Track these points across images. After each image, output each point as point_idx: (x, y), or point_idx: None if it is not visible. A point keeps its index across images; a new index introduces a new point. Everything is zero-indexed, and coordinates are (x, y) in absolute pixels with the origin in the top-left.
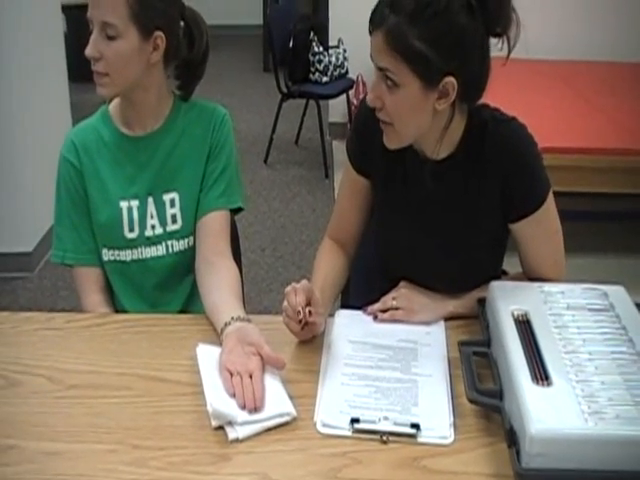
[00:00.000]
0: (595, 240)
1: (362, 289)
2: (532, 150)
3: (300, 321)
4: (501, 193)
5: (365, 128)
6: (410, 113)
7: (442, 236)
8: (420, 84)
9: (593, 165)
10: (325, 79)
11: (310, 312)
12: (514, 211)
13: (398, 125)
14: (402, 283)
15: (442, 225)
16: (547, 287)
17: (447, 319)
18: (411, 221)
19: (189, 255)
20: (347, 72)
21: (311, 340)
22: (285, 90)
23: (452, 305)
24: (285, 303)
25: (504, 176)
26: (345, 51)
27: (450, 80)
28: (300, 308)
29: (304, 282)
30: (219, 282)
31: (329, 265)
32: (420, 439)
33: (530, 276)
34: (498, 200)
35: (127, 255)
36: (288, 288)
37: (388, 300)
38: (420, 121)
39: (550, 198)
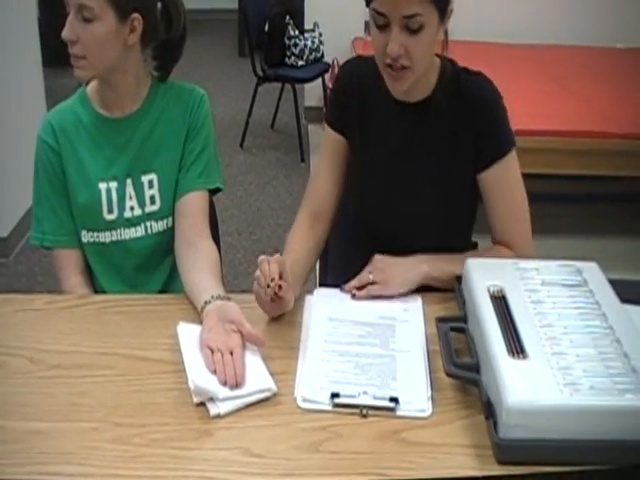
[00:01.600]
0: (569, 222)
1: (340, 266)
2: (501, 102)
3: (271, 292)
4: (473, 141)
5: (345, 90)
6: (430, 50)
7: (417, 185)
8: (437, 18)
9: (568, 148)
10: (301, 63)
11: (280, 286)
12: (483, 158)
13: (417, 67)
14: (376, 257)
15: (417, 173)
16: (522, 264)
17: (424, 291)
18: (387, 171)
19: (168, 236)
20: (323, 56)
21: (291, 318)
22: (261, 74)
23: (427, 266)
24: (257, 272)
25: (476, 123)
26: (321, 35)
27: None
28: (273, 277)
29: (277, 255)
30: (199, 262)
31: (301, 246)
32: (399, 412)
33: (498, 237)
34: (471, 148)
35: (106, 237)
36: (261, 257)
37: (364, 276)
38: (432, 57)
39: (515, 155)
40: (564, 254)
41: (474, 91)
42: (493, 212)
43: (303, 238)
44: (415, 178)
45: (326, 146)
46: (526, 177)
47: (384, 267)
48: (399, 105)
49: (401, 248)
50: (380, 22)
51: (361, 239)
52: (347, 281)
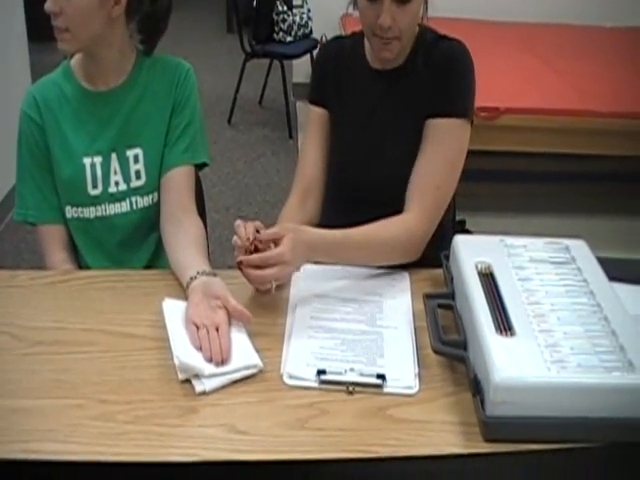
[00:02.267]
0: (556, 200)
1: None
2: (468, 67)
3: (250, 251)
4: (432, 91)
5: (323, 67)
6: (416, 19)
7: (393, 149)
8: None
9: (553, 126)
10: (289, 39)
11: (258, 244)
12: (431, 105)
13: (404, 36)
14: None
15: (393, 137)
16: (510, 241)
17: (412, 268)
18: (363, 135)
19: (153, 211)
20: (311, 32)
21: (277, 294)
22: (249, 50)
23: (312, 256)
24: (235, 237)
25: (439, 78)
26: (309, 11)
27: None
28: (249, 237)
29: (255, 222)
30: (184, 237)
31: (292, 222)
32: (386, 389)
33: (409, 192)
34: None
35: (91, 212)
36: (237, 222)
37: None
38: (415, 24)
39: (464, 128)
40: (551, 233)
41: (445, 52)
42: (417, 163)
43: (294, 215)
44: (391, 142)
45: (311, 123)
46: (512, 155)
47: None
48: (374, 72)
49: (382, 212)
50: None
51: (342, 204)
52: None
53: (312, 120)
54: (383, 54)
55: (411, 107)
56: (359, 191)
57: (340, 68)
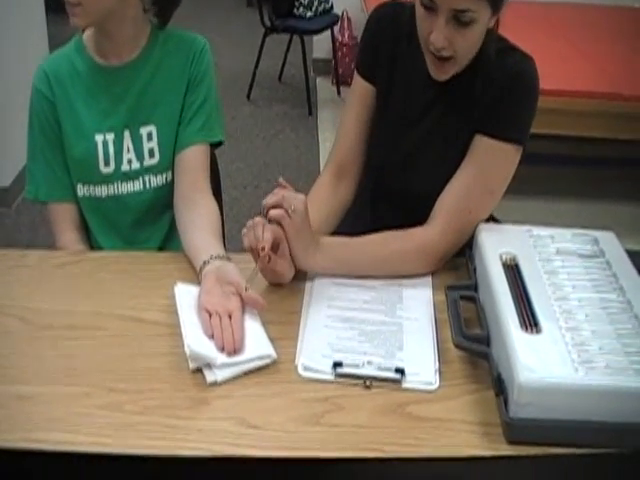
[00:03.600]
0: (580, 185)
1: (348, 219)
2: (534, 91)
3: (261, 263)
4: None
5: (376, 35)
6: (478, 44)
7: (441, 151)
8: (490, 13)
9: (578, 109)
10: (309, 14)
11: (270, 258)
12: (484, 121)
13: (461, 59)
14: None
15: (441, 139)
16: (536, 231)
17: None
18: (410, 130)
19: (167, 191)
20: (332, 7)
21: (293, 280)
22: (269, 24)
23: (319, 257)
24: (246, 231)
25: (500, 96)
26: None
27: None
28: (264, 245)
29: (276, 227)
30: (198, 219)
31: (323, 206)
32: (405, 385)
33: (439, 206)
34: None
35: (102, 191)
36: (257, 219)
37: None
38: (477, 48)
39: (513, 155)
40: (575, 219)
41: (510, 69)
42: (452, 182)
43: (325, 198)
44: (436, 149)
45: (354, 96)
46: (537, 138)
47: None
48: (427, 73)
49: (416, 210)
50: (427, 3)
51: (376, 193)
52: (354, 235)
53: (356, 91)
54: (436, 74)
55: (464, 118)
56: (392, 194)
57: (395, 44)
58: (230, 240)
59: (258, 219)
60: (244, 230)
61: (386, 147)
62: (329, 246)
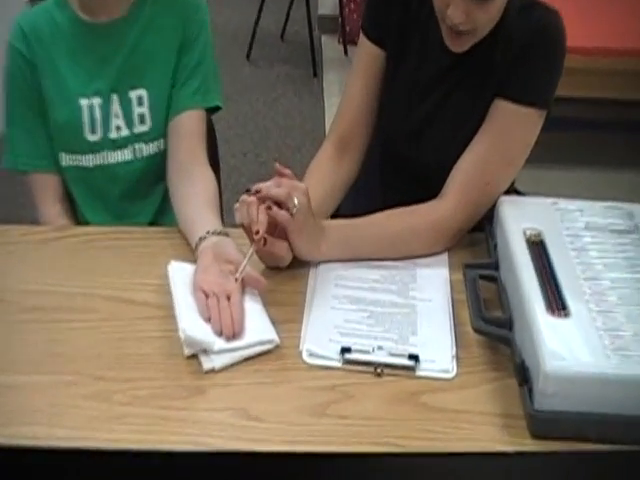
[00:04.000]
0: (611, 152)
1: (354, 193)
2: (560, 49)
3: (256, 240)
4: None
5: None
6: (499, 14)
7: (447, 121)
8: None
9: (609, 68)
10: None
11: (265, 240)
12: (504, 84)
13: (481, 31)
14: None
15: (452, 109)
16: (563, 204)
17: None
18: (423, 98)
19: (160, 160)
20: None
21: (296, 260)
22: None
23: (324, 245)
24: (238, 206)
25: (522, 55)
26: None
27: None
28: (258, 229)
29: (276, 209)
30: (194, 191)
31: (325, 181)
32: (419, 372)
33: (453, 178)
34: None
35: (89, 160)
36: (252, 199)
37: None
38: (499, 17)
39: (536, 121)
40: (607, 190)
41: (533, 25)
42: (467, 151)
43: (327, 173)
44: (451, 117)
45: (359, 60)
46: (563, 101)
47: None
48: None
49: (430, 184)
50: None
51: (385, 167)
52: (361, 214)
53: (363, 56)
54: (452, 46)
55: (482, 85)
56: (403, 167)
57: (407, 4)
58: (228, 213)
59: (252, 199)
60: (236, 205)
61: (396, 116)
62: (334, 231)
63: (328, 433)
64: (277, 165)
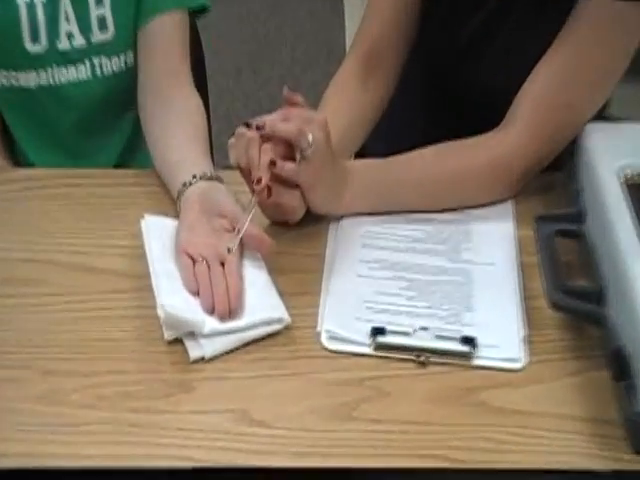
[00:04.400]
0: None
1: (386, 130)
2: None
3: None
4: None
5: None
6: None
7: (508, 35)
8: None
9: None
10: None
11: (270, 190)
12: None
13: None
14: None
15: (511, 19)
16: None
17: None
18: (472, 6)
19: (127, 81)
20: None
21: (310, 212)
22: None
23: (349, 195)
24: (233, 142)
25: None
26: None
27: None
28: (260, 177)
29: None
30: (174, 122)
31: (348, 108)
32: (477, 361)
33: (523, 99)
34: None
35: (30, 79)
36: (251, 135)
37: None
38: None
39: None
40: None
41: None
42: (542, 65)
43: (352, 95)
44: (519, 24)
45: None
46: None
47: (322, 158)
48: None
49: (486, 114)
50: None
51: (426, 95)
52: (394, 152)
53: None
54: None
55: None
56: (450, 92)
57: None
58: (219, 149)
59: (252, 134)
60: (231, 140)
61: (442, 28)
62: (361, 175)
63: (355, 443)
64: (285, 90)
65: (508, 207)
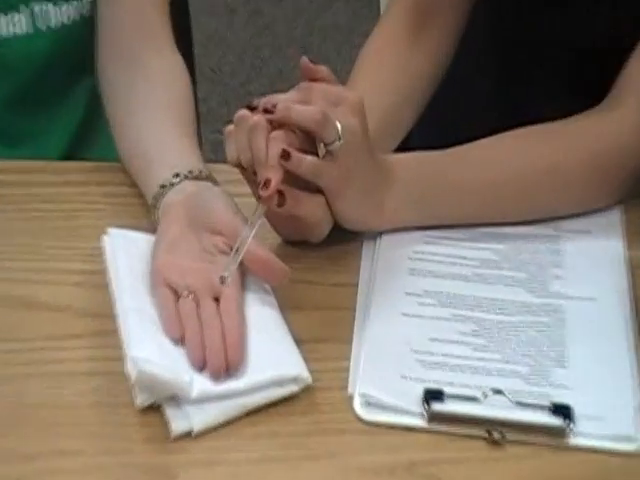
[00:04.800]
0: None
1: (438, 113)
2: None
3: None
4: None
5: None
6: None
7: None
8: None
9: None
10: None
11: (283, 195)
12: None
13: None
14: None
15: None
16: None
17: None
18: None
19: (82, 37)
20: None
21: (337, 229)
22: None
23: (391, 203)
24: (241, 137)
25: None
26: None
27: None
28: (269, 177)
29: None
30: (149, 97)
31: (393, 77)
32: (573, 440)
33: (630, 74)
34: None
35: None
36: (258, 118)
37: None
38: None
39: None
40: None
41: None
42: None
43: (397, 61)
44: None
45: None
46: None
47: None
48: None
49: (580, 85)
50: None
51: (499, 61)
52: (452, 142)
53: None
54: None
55: None
56: (535, 61)
57: None
58: (206, 146)
59: (258, 118)
60: (228, 128)
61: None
62: (409, 176)
63: None
64: (304, 60)
65: (614, 217)
